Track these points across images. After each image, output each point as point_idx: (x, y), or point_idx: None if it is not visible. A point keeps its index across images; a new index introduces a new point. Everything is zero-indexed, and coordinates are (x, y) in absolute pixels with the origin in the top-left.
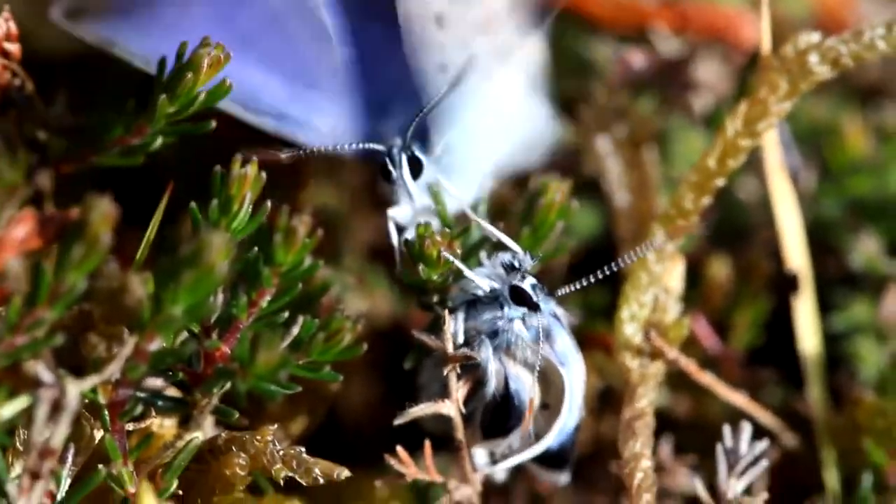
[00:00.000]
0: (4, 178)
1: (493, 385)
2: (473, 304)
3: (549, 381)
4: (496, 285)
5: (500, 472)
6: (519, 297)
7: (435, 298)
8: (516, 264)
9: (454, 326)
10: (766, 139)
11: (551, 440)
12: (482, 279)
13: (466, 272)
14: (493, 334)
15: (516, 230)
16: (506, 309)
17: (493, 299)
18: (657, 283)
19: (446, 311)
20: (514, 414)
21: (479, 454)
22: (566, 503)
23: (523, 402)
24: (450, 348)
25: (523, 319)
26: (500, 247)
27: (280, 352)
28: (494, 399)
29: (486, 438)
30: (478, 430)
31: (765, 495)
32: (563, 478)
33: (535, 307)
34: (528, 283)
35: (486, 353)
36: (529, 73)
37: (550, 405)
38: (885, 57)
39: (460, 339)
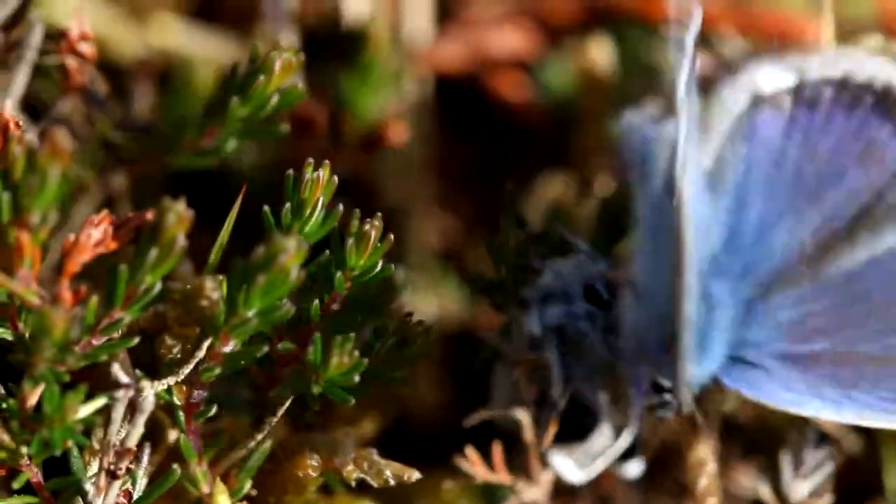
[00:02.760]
0: (79, 180)
1: (560, 384)
2: (544, 300)
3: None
4: (570, 281)
5: (585, 475)
6: (591, 294)
7: (506, 299)
8: (590, 265)
9: (526, 327)
10: None
11: (632, 435)
12: (557, 272)
13: (542, 259)
14: (562, 331)
15: (589, 234)
16: (575, 305)
17: (565, 296)
18: None
19: (521, 316)
20: (586, 414)
21: (561, 460)
22: (632, 503)
23: (591, 402)
24: (521, 351)
25: (592, 318)
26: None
27: (352, 355)
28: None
29: (560, 442)
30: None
31: (829, 498)
32: (635, 468)
33: (606, 305)
34: (599, 282)
35: (552, 351)
36: None
37: (619, 400)
38: None
39: (535, 334)
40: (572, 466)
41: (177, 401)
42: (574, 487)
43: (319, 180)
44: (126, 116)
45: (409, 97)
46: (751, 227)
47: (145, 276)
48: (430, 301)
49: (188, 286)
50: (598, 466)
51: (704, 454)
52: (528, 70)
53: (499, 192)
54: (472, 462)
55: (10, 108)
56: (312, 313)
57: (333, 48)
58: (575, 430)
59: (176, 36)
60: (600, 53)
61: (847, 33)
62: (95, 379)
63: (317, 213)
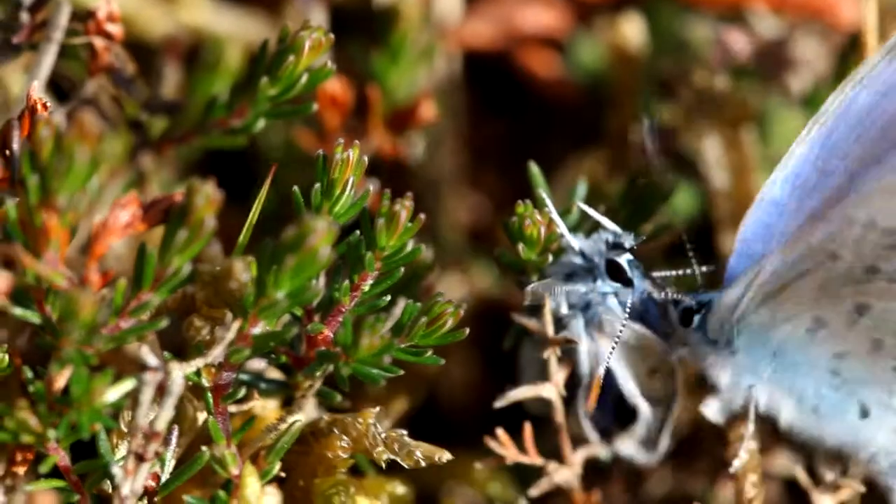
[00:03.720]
0: (108, 160)
1: (586, 363)
2: (569, 277)
3: (649, 349)
4: (594, 257)
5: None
6: (614, 271)
7: (534, 278)
8: (616, 242)
9: (553, 303)
10: None
11: (677, 408)
12: (581, 245)
13: (567, 235)
14: (586, 308)
15: (616, 212)
16: (599, 283)
17: (589, 272)
18: None
19: (546, 293)
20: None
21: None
22: (664, 484)
23: (619, 384)
24: (550, 331)
25: (616, 296)
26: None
27: (382, 336)
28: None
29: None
30: (580, 412)
31: (861, 477)
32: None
33: (629, 283)
34: (624, 259)
35: (577, 327)
36: None
37: (656, 370)
38: None
39: (562, 312)
40: (641, 450)
41: (205, 383)
42: (604, 468)
43: (349, 160)
44: (154, 96)
45: (439, 75)
46: None
47: (174, 258)
48: (459, 280)
49: (217, 268)
50: (664, 442)
51: (744, 431)
52: (559, 47)
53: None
54: (502, 443)
55: (38, 90)
56: (342, 294)
57: (363, 26)
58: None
59: (204, 14)
60: (632, 30)
61: (883, 10)
62: (123, 362)
63: (347, 193)
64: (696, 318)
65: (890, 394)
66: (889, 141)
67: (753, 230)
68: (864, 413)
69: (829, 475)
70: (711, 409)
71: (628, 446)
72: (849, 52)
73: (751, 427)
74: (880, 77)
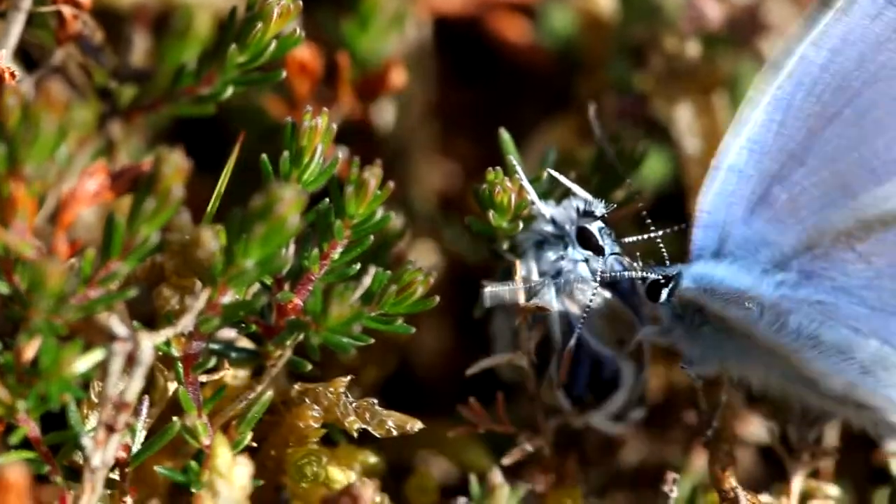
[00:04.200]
0: (76, 129)
1: (558, 329)
2: (540, 245)
3: (618, 318)
4: (565, 224)
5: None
6: (585, 238)
7: (505, 246)
8: (587, 209)
9: (524, 271)
10: None
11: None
12: (552, 212)
13: (537, 202)
14: (557, 275)
15: (587, 179)
16: (570, 250)
17: (560, 239)
18: None
19: (517, 261)
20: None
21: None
22: (638, 452)
23: (594, 349)
24: (521, 298)
25: (587, 262)
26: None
27: (352, 304)
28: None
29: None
30: (553, 380)
31: (837, 444)
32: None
33: (599, 250)
34: (595, 226)
35: (549, 294)
36: None
37: (626, 340)
38: None
39: (533, 279)
40: (611, 421)
41: (175, 353)
42: (578, 436)
43: (318, 128)
44: (122, 64)
45: (409, 42)
46: None
47: (142, 227)
48: (430, 248)
49: (186, 236)
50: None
51: (718, 398)
52: (530, 13)
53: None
54: (474, 412)
55: (5, 58)
56: (312, 262)
57: None
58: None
59: None
60: None
61: None
62: (93, 332)
63: (315, 161)
64: (664, 292)
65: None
66: (845, 97)
67: (713, 199)
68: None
69: (801, 441)
70: (686, 368)
71: (599, 417)
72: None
73: (724, 397)
74: (830, 35)
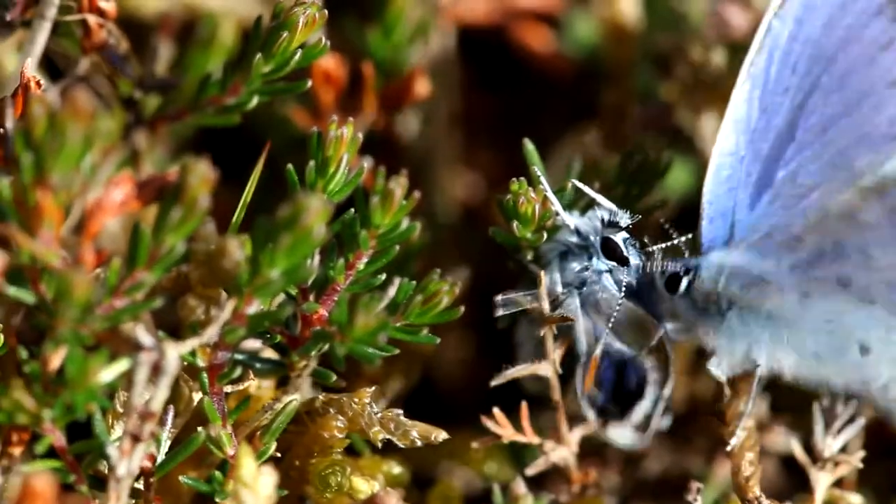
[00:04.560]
0: (101, 138)
1: (583, 340)
2: (565, 255)
3: (643, 328)
4: (590, 235)
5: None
6: (609, 249)
7: (529, 256)
8: (613, 220)
9: (548, 281)
10: None
11: (666, 389)
12: (576, 222)
13: (562, 213)
14: (581, 286)
15: (612, 188)
16: (594, 260)
17: (584, 250)
18: None
19: (542, 272)
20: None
21: (617, 432)
22: (661, 462)
23: (619, 359)
24: (546, 308)
25: (611, 273)
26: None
27: (378, 315)
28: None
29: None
30: (580, 392)
31: (860, 453)
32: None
33: (624, 261)
34: (619, 237)
35: (573, 304)
36: None
37: (650, 350)
38: None
39: (557, 291)
40: (630, 434)
41: (200, 363)
42: (602, 446)
43: (343, 137)
44: (147, 74)
45: (433, 51)
46: None
47: (168, 237)
48: (454, 258)
49: (212, 246)
50: (654, 425)
51: (742, 408)
52: (555, 22)
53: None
54: (498, 422)
55: (31, 68)
56: (337, 273)
57: (357, 2)
58: (615, 388)
59: None
60: (627, 5)
61: None
62: (118, 342)
63: (341, 170)
64: (684, 283)
65: (888, 330)
66: (820, 65)
67: (715, 188)
68: (865, 350)
69: (826, 451)
70: (714, 367)
71: (621, 433)
72: None
73: (750, 405)
74: (792, 4)
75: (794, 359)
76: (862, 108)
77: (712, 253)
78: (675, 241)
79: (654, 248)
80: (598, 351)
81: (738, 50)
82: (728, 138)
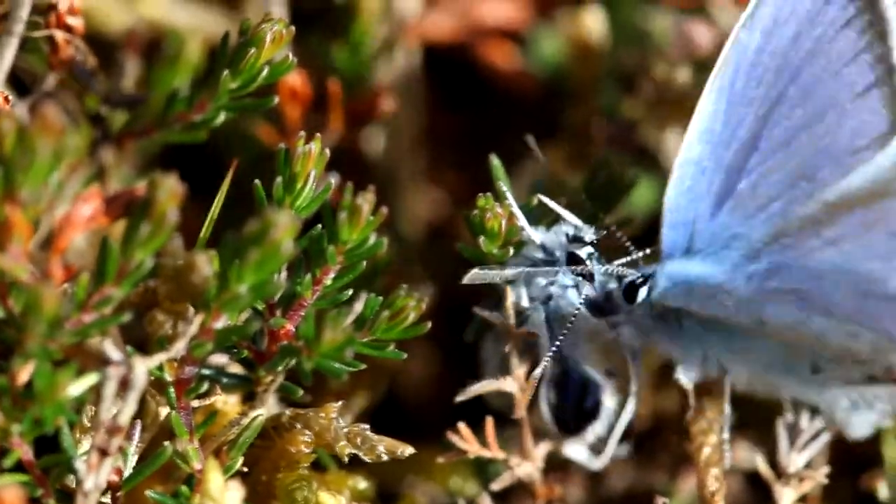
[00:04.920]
0: (68, 154)
1: (550, 357)
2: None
3: (611, 348)
4: (555, 250)
5: (604, 459)
6: (575, 264)
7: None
8: (578, 235)
9: (514, 297)
10: None
11: (632, 409)
12: (542, 238)
13: (527, 228)
14: (547, 301)
15: (577, 205)
16: (560, 275)
17: (550, 265)
18: None
19: (507, 287)
20: (585, 391)
21: (576, 451)
22: (626, 477)
23: (584, 377)
24: (512, 324)
25: (577, 288)
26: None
27: (345, 330)
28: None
29: (567, 433)
30: (544, 408)
31: (825, 469)
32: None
33: (590, 276)
34: (585, 251)
35: (539, 319)
36: None
37: (615, 372)
38: None
39: (523, 304)
40: (588, 454)
41: (168, 377)
42: (567, 462)
43: (311, 153)
44: (114, 90)
45: (398, 68)
46: None
47: (136, 252)
48: (420, 274)
49: (180, 262)
50: (613, 445)
51: (708, 424)
52: (520, 40)
53: (489, 163)
54: (463, 437)
55: None
56: (304, 288)
57: (323, 19)
58: (576, 405)
59: (164, 7)
60: (593, 23)
61: None
62: (86, 356)
63: (308, 186)
64: (642, 292)
65: (841, 346)
66: (786, 77)
67: (676, 197)
68: (816, 370)
69: (791, 467)
70: (680, 375)
71: (578, 451)
72: None
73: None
74: (760, 17)
75: (746, 370)
76: (825, 120)
77: (670, 261)
78: (635, 255)
79: (616, 262)
80: (544, 366)
81: (702, 67)
82: (692, 148)
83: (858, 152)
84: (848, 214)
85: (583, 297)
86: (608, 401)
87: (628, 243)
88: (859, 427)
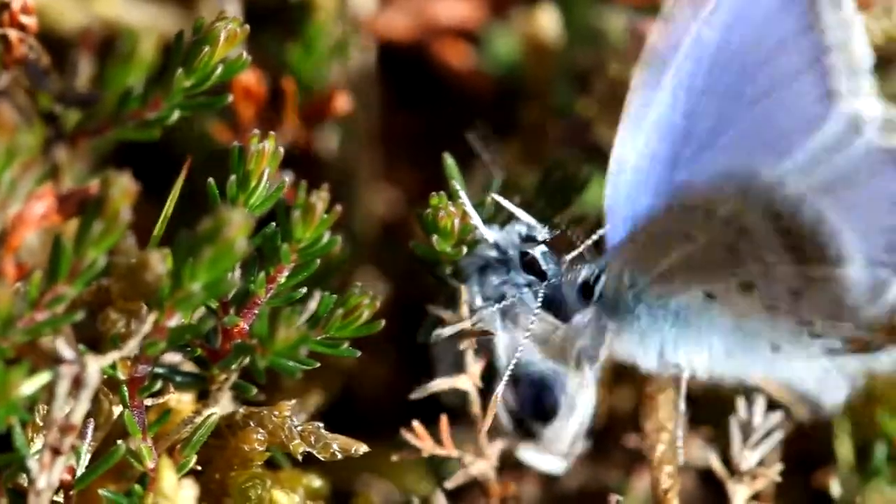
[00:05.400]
0: (22, 153)
1: (503, 354)
2: (484, 269)
3: (567, 348)
4: (508, 249)
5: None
6: (528, 263)
7: (448, 270)
8: (531, 234)
9: (469, 296)
10: None
11: (587, 409)
12: (496, 237)
13: (481, 227)
14: (501, 300)
15: (531, 203)
16: (513, 274)
17: (504, 264)
18: None
19: (463, 287)
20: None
21: (533, 456)
22: (579, 475)
23: (539, 375)
24: (466, 323)
25: (531, 287)
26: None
27: (299, 328)
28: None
29: (524, 433)
30: (500, 408)
31: (778, 467)
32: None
33: (542, 276)
34: (538, 251)
35: (493, 318)
36: None
37: (571, 372)
38: None
39: (476, 304)
40: (547, 458)
41: (121, 376)
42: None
43: (265, 151)
44: (68, 89)
45: (353, 67)
46: None
47: (89, 250)
48: (374, 273)
49: (133, 260)
50: (574, 447)
51: (662, 421)
52: (474, 39)
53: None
54: (418, 435)
55: None
56: (258, 286)
57: (278, 18)
58: (532, 406)
59: (117, 6)
60: (547, 22)
61: None
62: (39, 355)
63: (262, 184)
64: (597, 288)
65: (797, 334)
66: (745, 76)
67: (614, 192)
68: (776, 349)
69: (744, 464)
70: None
71: (534, 456)
72: None
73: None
74: (721, 12)
75: (705, 356)
76: (779, 121)
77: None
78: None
79: (566, 257)
80: (506, 366)
81: None
82: (641, 146)
83: (792, 137)
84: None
85: (539, 296)
86: (564, 401)
87: (575, 236)
88: (832, 396)
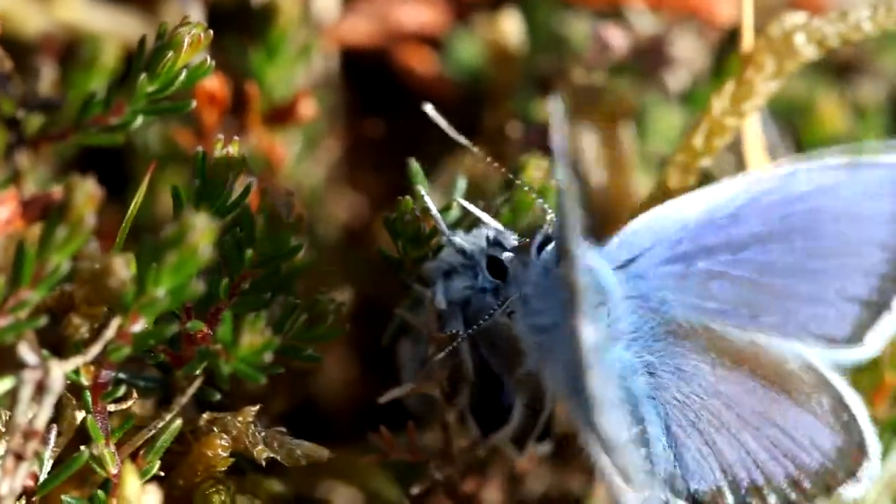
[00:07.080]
0: None
1: (468, 358)
2: (449, 274)
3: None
4: (474, 253)
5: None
6: (495, 268)
7: (413, 275)
8: (496, 239)
9: (436, 300)
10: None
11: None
12: (461, 241)
13: (446, 232)
14: (466, 305)
15: (496, 208)
16: (480, 279)
17: (470, 269)
18: None
19: (429, 292)
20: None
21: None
22: (543, 481)
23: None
24: (433, 328)
25: (496, 291)
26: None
27: (263, 333)
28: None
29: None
30: (466, 411)
31: None
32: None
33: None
34: (505, 255)
35: (457, 324)
36: None
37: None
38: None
39: (441, 308)
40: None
41: (84, 381)
42: (485, 465)
43: (229, 157)
44: (30, 93)
45: (317, 72)
46: None
47: (53, 255)
48: (338, 278)
49: (97, 265)
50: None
51: None
52: (437, 44)
53: (407, 167)
54: (384, 440)
55: None
56: (222, 291)
57: (241, 23)
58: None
59: (80, 11)
60: (510, 27)
61: (757, 10)
62: (2, 360)
63: (226, 190)
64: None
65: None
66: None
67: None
68: None
69: None
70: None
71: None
72: (726, 49)
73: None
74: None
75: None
76: (800, 286)
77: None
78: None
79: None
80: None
81: (618, 71)
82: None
83: (812, 332)
84: (733, 370)
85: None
86: (518, 404)
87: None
88: None
